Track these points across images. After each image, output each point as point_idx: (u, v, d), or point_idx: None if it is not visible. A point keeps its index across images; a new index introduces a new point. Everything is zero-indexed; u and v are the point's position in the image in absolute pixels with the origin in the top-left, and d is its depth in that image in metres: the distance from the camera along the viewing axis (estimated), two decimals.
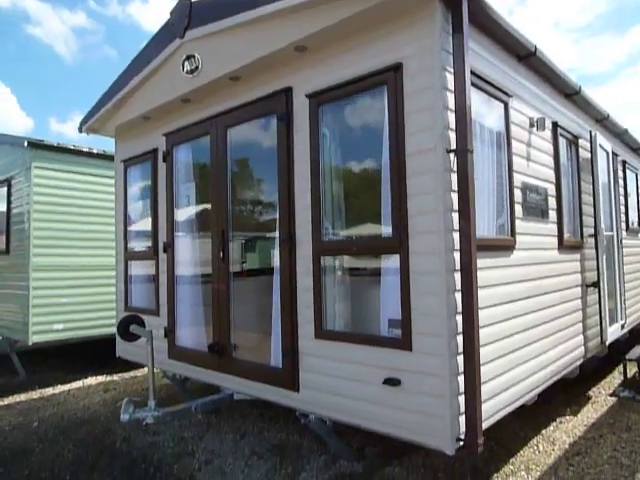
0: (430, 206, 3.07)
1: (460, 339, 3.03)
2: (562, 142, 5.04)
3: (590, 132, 5.43)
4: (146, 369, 5.53)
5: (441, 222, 3.02)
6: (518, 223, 3.96)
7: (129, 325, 3.96)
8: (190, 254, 5.17)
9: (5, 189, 7.70)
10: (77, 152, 7.39)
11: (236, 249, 4.78)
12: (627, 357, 6.10)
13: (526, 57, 4.11)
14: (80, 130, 6.11)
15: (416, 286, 3.13)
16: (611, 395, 5.82)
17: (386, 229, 3.32)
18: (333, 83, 3.59)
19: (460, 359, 3.03)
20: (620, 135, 7.15)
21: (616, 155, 7.00)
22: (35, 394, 6.89)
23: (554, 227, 4.71)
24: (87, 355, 8.82)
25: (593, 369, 6.18)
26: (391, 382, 3.21)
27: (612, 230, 6.02)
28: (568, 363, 4.74)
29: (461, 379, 3.03)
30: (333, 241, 3.72)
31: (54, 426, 5.50)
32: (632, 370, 6.52)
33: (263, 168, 4.00)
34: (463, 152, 3.03)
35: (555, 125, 4.84)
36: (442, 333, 3.00)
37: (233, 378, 4.41)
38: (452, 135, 3.10)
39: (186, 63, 4.53)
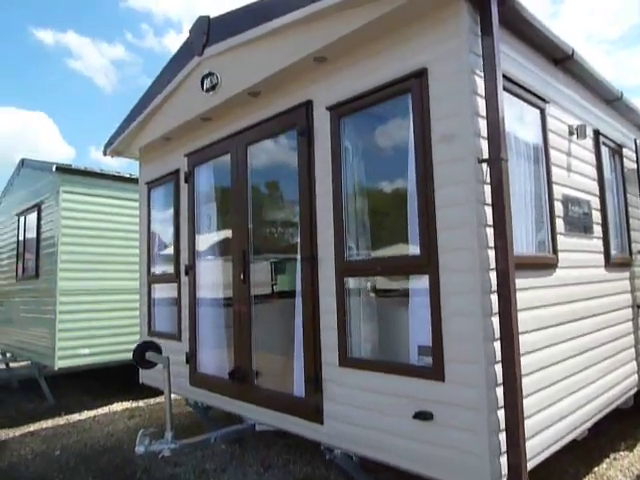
0: (461, 220, 2.80)
1: (499, 368, 2.72)
2: (605, 151, 4.69)
3: (635, 140, 5.06)
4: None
5: (474, 237, 2.74)
6: (560, 239, 3.63)
7: (145, 352, 3.79)
8: (212, 277, 5.01)
9: (35, 214, 7.80)
10: (104, 176, 7.43)
11: (261, 270, 4.58)
12: None
13: (563, 61, 3.83)
14: (105, 153, 6.11)
15: (447, 309, 2.85)
16: None
17: (413, 247, 3.06)
18: (354, 94, 3.40)
19: (499, 391, 2.71)
20: None
21: None
22: (61, 420, 6.81)
23: (599, 243, 4.34)
24: (115, 379, 8.75)
25: None
26: (422, 416, 2.90)
27: None
28: (621, 393, 4.30)
29: (501, 413, 2.71)
30: (357, 261, 3.48)
31: (76, 454, 5.36)
32: None
33: (286, 186, 3.83)
34: (497, 161, 2.77)
35: (597, 133, 4.50)
36: (478, 361, 2.69)
37: (255, 407, 4.16)
38: (484, 143, 2.84)
39: (205, 81, 4.44)
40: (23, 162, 8.60)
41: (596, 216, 4.33)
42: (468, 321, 2.75)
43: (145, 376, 5.94)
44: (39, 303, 7.53)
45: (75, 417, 6.92)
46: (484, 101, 2.84)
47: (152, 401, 7.63)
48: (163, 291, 5.77)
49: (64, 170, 7.07)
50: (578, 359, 3.63)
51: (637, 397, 4.77)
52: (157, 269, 5.85)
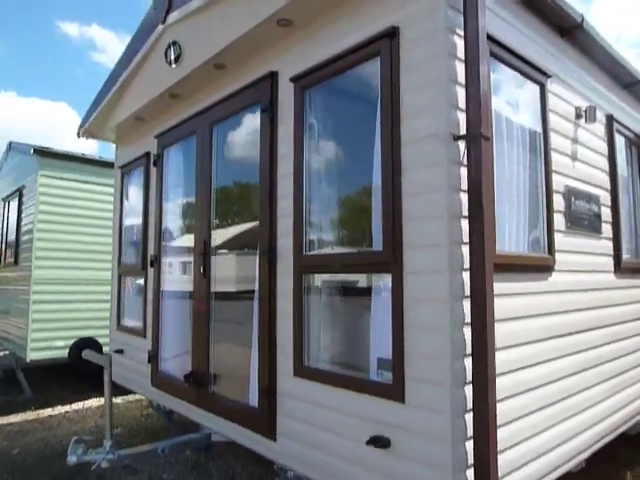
0: (430, 210, 2.31)
1: (469, 390, 2.23)
2: (620, 141, 4.13)
3: None
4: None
5: (444, 231, 2.25)
6: (559, 238, 3.10)
7: (82, 350, 3.37)
8: (179, 269, 4.59)
9: (17, 199, 7.49)
10: (87, 160, 7.07)
11: (227, 264, 4.14)
12: None
13: (570, 30, 3.30)
14: (78, 135, 5.72)
15: (411, 316, 2.36)
16: None
17: (378, 242, 2.58)
18: (319, 61, 2.92)
19: (469, 418, 2.22)
20: None
21: None
22: (32, 415, 6.48)
23: (609, 244, 3.79)
24: (99, 373, 8.42)
25: None
26: (378, 442, 2.42)
27: None
28: (628, 416, 3.76)
29: (470, 446, 2.22)
30: (316, 256, 3.00)
31: (35, 454, 5.01)
32: None
33: (254, 170, 3.38)
34: (476, 138, 2.26)
35: (610, 119, 3.94)
36: (443, 381, 2.20)
37: (211, 415, 3.73)
38: (462, 117, 2.34)
39: (169, 52, 4.00)
40: (10, 145, 8.30)
41: (606, 214, 3.78)
42: (434, 333, 2.26)
43: (114, 373, 5.55)
44: (17, 292, 7.22)
45: (46, 412, 6.58)
46: (464, 66, 2.34)
47: (131, 397, 7.24)
48: (133, 284, 5.37)
49: (43, 153, 6.72)
50: (575, 379, 3.11)
51: None
52: (127, 260, 5.45)
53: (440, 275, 2.24)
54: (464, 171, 2.32)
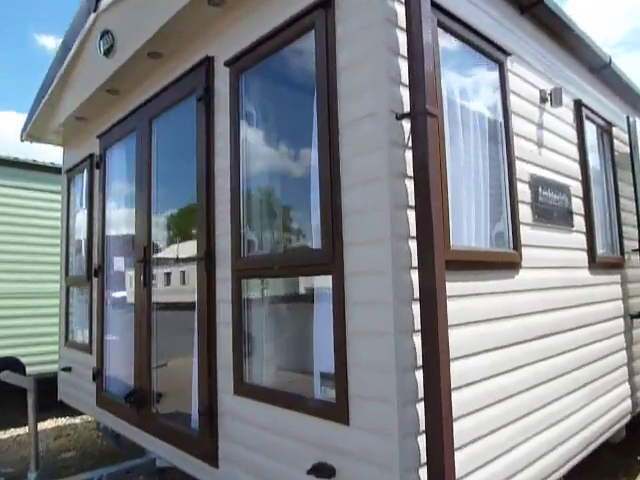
0: (371, 201, 2.01)
1: (421, 408, 1.91)
2: (590, 128, 3.88)
3: (627, 118, 4.25)
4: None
5: (386, 224, 1.94)
6: (525, 231, 2.82)
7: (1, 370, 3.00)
8: (123, 279, 4.22)
9: None
10: (33, 166, 6.62)
11: (174, 272, 3.78)
12: None
13: (530, 6, 3.04)
14: (21, 139, 5.33)
15: (353, 323, 2.05)
16: None
17: (317, 239, 2.26)
18: (254, 41, 2.61)
19: (421, 440, 1.91)
20: None
21: None
22: None
23: (582, 238, 3.53)
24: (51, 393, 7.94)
25: None
26: (320, 471, 2.09)
27: None
28: (609, 424, 3.48)
29: (423, 473, 1.90)
30: (253, 258, 2.67)
31: None
32: None
33: (193, 167, 3.05)
34: (421, 116, 1.97)
35: (579, 104, 3.69)
36: (389, 399, 1.89)
37: (154, 439, 3.36)
38: (406, 94, 2.04)
39: (102, 42, 3.66)
40: None
41: (577, 205, 3.51)
42: (378, 342, 1.94)
43: (63, 392, 5.15)
44: None
45: None
46: (405, 35, 2.04)
47: (91, 418, 6.82)
48: (81, 295, 4.98)
49: None
50: (548, 387, 2.81)
51: (629, 426, 3.96)
52: (74, 271, 5.06)
53: (382, 275, 1.93)
54: (409, 154, 2.02)
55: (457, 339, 2.14)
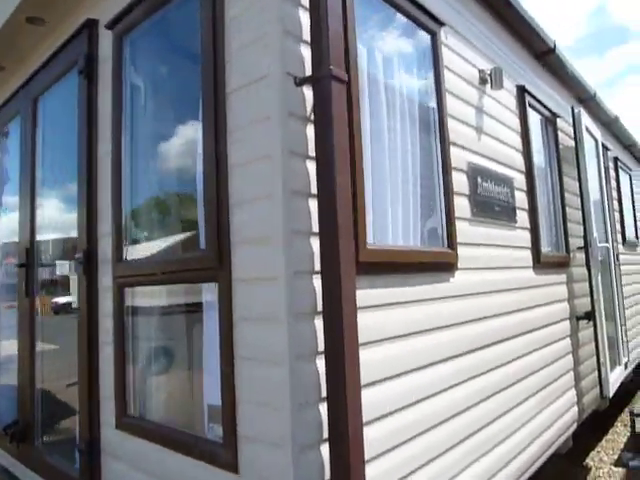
0: (261, 186, 1.58)
1: (326, 450, 1.50)
2: (534, 117, 3.60)
3: (572, 109, 4.01)
4: None
5: (278, 216, 1.52)
6: (463, 227, 2.47)
7: None
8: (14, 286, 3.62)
9: None
10: None
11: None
12: (635, 412, 4.57)
13: None
14: None
15: (242, 345, 1.61)
16: (616, 465, 4.25)
17: (203, 236, 1.81)
18: None
19: None
20: (610, 125, 5.76)
21: (607, 149, 5.60)
22: None
23: (526, 235, 3.23)
24: None
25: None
26: None
27: (607, 242, 4.54)
28: (554, 437, 3.20)
29: None
30: (134, 263, 2.18)
31: None
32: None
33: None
34: (325, 80, 1.55)
35: (522, 90, 3.40)
36: (283, 441, 1.46)
37: (36, 476, 2.81)
38: (306, 54, 1.63)
39: None
40: None
41: (521, 199, 3.21)
42: (270, 369, 1.51)
43: None
44: None
45: None
46: None
47: None
48: None
49: None
50: (490, 404, 2.47)
51: (577, 436, 3.72)
52: None
53: (274, 282, 1.50)
54: (310, 129, 1.60)
55: (373, 360, 1.74)
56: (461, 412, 2.21)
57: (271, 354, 1.50)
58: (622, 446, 4.62)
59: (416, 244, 2.22)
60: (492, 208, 2.78)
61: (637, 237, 6.66)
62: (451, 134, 2.44)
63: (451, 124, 2.46)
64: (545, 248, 3.47)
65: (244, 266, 1.61)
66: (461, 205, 2.49)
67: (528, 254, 3.23)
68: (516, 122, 3.34)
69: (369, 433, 1.59)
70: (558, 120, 4.05)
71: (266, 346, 1.52)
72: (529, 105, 3.46)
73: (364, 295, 1.72)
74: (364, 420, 1.53)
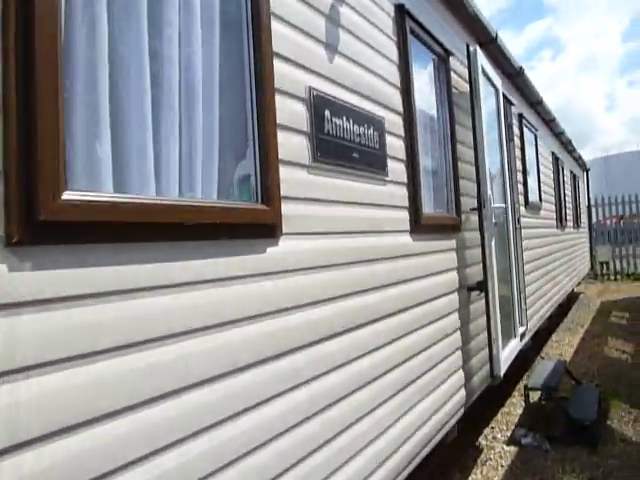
0: None
1: None
2: (417, 48, 2.95)
3: (467, 46, 3.41)
4: None
5: None
6: (296, 176, 1.77)
7: None
8: None
9: None
10: None
11: None
12: (529, 385, 4.26)
13: None
14: None
15: None
16: (508, 443, 3.92)
17: None
18: None
19: None
20: (515, 77, 5.31)
21: (511, 104, 5.16)
22: None
23: (401, 192, 2.61)
24: None
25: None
26: None
27: (505, 203, 4.08)
28: (438, 426, 2.70)
29: None
30: None
31: None
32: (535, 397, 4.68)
33: None
34: None
35: (401, 11, 2.72)
36: None
37: None
38: None
39: None
40: None
41: (396, 147, 2.58)
42: None
43: None
44: None
45: None
46: None
47: None
48: None
49: None
50: (360, 396, 1.85)
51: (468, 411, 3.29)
52: None
53: None
54: None
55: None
56: (297, 425, 1.56)
57: None
58: (517, 420, 4.34)
59: (211, 196, 1.49)
60: (348, 154, 2.10)
61: (540, 199, 6.42)
62: (277, 42, 1.71)
63: (279, 29, 1.72)
64: (427, 209, 2.90)
65: None
66: (295, 145, 1.78)
67: (405, 215, 2.62)
68: (394, 51, 2.67)
69: None
70: (451, 59, 3.45)
71: None
72: (411, 32, 2.80)
73: (59, 278, 0.98)
74: None
